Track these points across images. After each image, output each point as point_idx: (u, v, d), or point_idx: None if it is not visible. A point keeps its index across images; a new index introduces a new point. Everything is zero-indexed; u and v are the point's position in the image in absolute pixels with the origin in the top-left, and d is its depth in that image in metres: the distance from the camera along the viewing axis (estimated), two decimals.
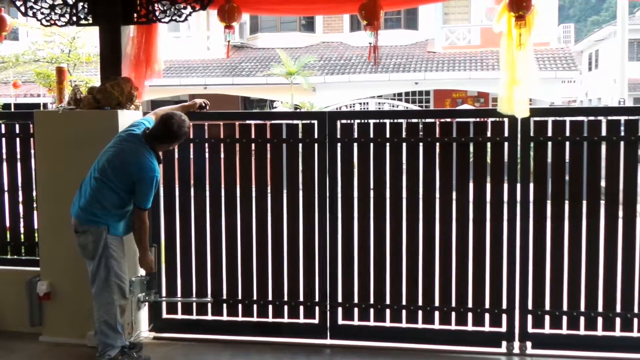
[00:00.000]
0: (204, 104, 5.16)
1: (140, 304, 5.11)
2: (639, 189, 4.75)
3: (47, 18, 5.12)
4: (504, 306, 4.86)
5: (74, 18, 5.13)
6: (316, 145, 5.07)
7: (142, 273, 5.05)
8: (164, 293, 5.27)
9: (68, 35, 12.55)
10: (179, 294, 5.26)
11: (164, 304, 5.28)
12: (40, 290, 5.03)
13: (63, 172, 4.97)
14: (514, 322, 4.85)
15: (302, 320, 5.16)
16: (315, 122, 5.12)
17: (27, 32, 20.87)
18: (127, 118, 4.99)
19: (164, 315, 5.30)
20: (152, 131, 4.53)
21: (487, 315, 4.91)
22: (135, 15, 5.13)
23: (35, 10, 5.11)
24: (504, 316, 4.87)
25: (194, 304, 5.25)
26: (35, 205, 5.33)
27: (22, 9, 5.10)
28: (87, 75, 12.83)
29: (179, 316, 5.29)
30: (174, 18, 5.08)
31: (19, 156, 5.48)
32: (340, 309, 5.11)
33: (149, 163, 4.43)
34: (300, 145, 5.12)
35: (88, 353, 4.77)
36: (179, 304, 5.27)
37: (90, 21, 5.15)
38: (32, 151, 5.32)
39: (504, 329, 4.87)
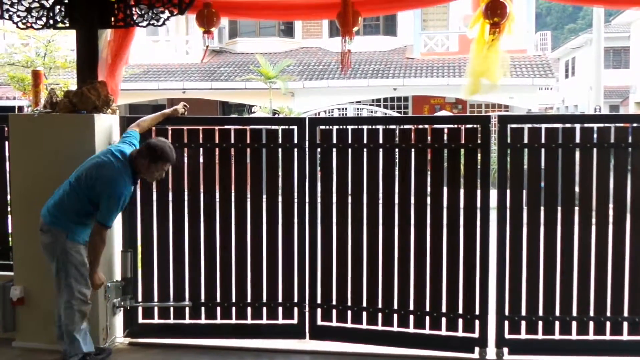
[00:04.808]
0: (183, 110, 5.18)
1: (115, 309, 5.07)
2: (611, 194, 4.82)
3: (24, 21, 5.08)
4: (477, 312, 4.90)
5: (51, 21, 5.10)
6: (296, 150, 5.09)
7: (118, 278, 5.02)
8: (140, 297, 5.23)
9: (44, 39, 12.43)
10: (156, 298, 5.22)
11: (139, 309, 5.24)
12: (14, 295, 4.97)
13: (38, 176, 4.92)
14: (486, 328, 4.89)
15: (281, 321, 5.17)
16: (295, 127, 5.14)
17: (3, 35, 20.67)
18: (104, 122, 4.96)
19: (140, 320, 5.26)
20: (137, 152, 4.57)
21: (460, 321, 4.94)
22: (112, 19, 5.10)
23: (11, 13, 5.06)
24: (477, 322, 4.90)
25: (171, 308, 5.22)
26: (9, 209, 5.27)
27: None
28: (64, 79, 12.72)
29: (156, 321, 5.25)
30: (151, 22, 5.06)
31: None
32: (319, 310, 5.14)
33: (120, 181, 4.41)
34: (280, 150, 5.14)
35: (61, 359, 4.71)
36: (156, 308, 5.23)
37: (67, 24, 5.12)
38: (7, 154, 5.25)
39: (476, 334, 4.90)
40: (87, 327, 4.59)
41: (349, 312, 5.09)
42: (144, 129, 4.98)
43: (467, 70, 4.81)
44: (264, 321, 5.18)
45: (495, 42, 4.64)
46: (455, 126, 5.02)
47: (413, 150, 4.95)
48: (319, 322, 5.15)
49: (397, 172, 5.01)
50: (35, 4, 5.05)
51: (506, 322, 4.87)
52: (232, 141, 5.15)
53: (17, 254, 5.07)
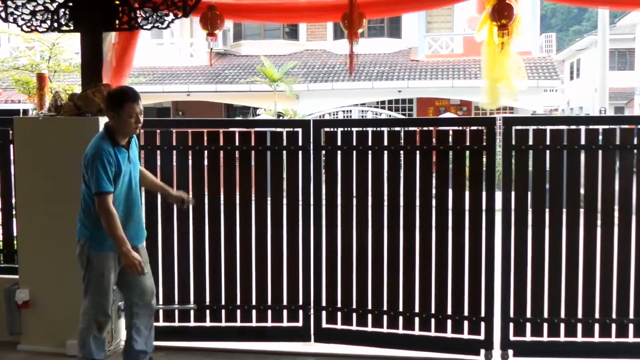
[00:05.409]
0: (187, 202, 4.78)
1: (120, 312, 5.07)
2: (616, 196, 4.80)
3: (28, 24, 5.08)
4: (483, 314, 4.88)
5: (55, 24, 5.10)
6: (300, 152, 5.09)
7: None
8: None
9: (48, 42, 12.48)
10: (161, 301, 5.22)
11: None
12: (19, 298, 4.98)
13: (43, 178, 4.93)
14: (492, 330, 4.87)
15: (285, 323, 5.17)
16: (300, 130, 5.14)
17: (8, 38, 20.74)
18: None
19: None
20: (107, 117, 4.30)
21: (465, 323, 4.92)
22: (117, 21, 5.11)
23: (16, 16, 5.07)
24: (483, 324, 4.88)
25: (176, 311, 5.22)
26: (14, 212, 5.28)
27: (3, 14, 5.06)
28: (68, 83, 12.76)
29: (160, 323, 5.23)
30: (156, 25, 5.07)
31: None
32: (324, 313, 5.13)
33: (98, 143, 4.17)
34: (285, 152, 5.13)
35: None
36: (160, 311, 5.23)
37: (72, 27, 5.12)
38: (12, 157, 5.26)
39: (482, 336, 4.89)
40: (105, 337, 4.49)
41: (354, 315, 5.09)
42: (144, 181, 4.69)
43: (484, 78, 4.79)
44: (269, 324, 5.17)
45: (507, 45, 4.62)
46: (460, 128, 5.01)
47: (418, 152, 4.94)
48: (324, 325, 5.15)
49: (401, 174, 5.00)
50: (40, 7, 5.05)
51: (511, 324, 4.85)
52: (237, 144, 5.15)
53: (22, 257, 5.07)
